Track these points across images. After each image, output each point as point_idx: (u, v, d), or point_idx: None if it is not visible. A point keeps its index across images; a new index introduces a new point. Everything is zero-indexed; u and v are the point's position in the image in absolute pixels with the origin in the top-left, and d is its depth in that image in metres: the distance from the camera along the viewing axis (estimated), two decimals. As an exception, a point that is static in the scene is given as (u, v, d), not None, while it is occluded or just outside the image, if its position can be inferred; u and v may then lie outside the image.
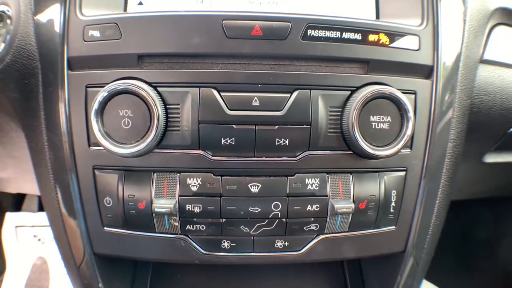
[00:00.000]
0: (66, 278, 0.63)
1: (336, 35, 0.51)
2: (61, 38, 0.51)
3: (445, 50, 0.56)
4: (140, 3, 0.57)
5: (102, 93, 0.47)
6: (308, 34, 0.50)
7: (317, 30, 0.50)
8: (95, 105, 0.47)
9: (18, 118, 0.60)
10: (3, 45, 0.58)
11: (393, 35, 0.53)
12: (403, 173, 0.55)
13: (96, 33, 0.51)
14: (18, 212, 1.16)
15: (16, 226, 1.16)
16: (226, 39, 0.49)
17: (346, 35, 0.51)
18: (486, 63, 0.68)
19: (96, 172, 0.52)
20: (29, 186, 0.93)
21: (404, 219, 0.56)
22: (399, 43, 0.53)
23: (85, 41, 0.51)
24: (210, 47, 0.49)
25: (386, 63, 0.52)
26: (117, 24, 0.50)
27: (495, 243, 1.17)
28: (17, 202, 1.17)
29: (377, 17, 0.58)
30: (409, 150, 0.54)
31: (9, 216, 1.15)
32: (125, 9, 0.56)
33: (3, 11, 0.60)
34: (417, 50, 0.54)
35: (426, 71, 0.54)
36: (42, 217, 1.15)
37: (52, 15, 0.53)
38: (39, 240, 1.16)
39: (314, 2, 0.57)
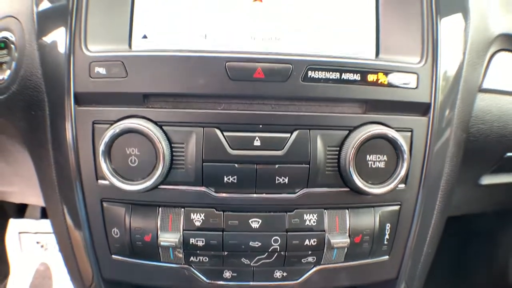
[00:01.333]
0: (69, 285, 0.68)
1: (335, 76, 0.54)
2: (67, 73, 0.54)
3: (443, 86, 0.59)
4: (145, 37, 0.60)
5: (109, 133, 0.51)
6: (309, 76, 0.53)
7: (317, 72, 0.53)
8: (102, 146, 0.51)
9: (26, 146, 0.63)
10: (8, 71, 0.61)
11: (392, 75, 0.56)
12: (397, 207, 0.59)
13: (102, 71, 0.54)
14: (21, 218, 1.21)
15: (20, 233, 1.21)
16: (229, 80, 0.52)
17: (345, 76, 0.54)
18: (485, 91, 0.71)
19: (104, 204, 0.56)
20: (33, 198, 0.97)
21: (397, 249, 0.60)
22: (398, 82, 0.56)
23: (91, 78, 0.54)
24: (214, 88, 0.52)
25: (384, 102, 0.55)
26: (122, 63, 0.53)
27: (492, 255, 1.22)
28: (20, 208, 1.22)
29: (377, 52, 0.61)
30: (404, 185, 0.58)
31: (13, 223, 1.20)
32: (129, 43, 0.59)
33: (5, 37, 0.63)
34: (415, 88, 0.57)
35: (423, 108, 0.58)
36: (44, 224, 1.20)
37: (58, 48, 0.56)
38: (42, 246, 1.21)
39: (315, 38, 0.60)
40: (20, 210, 1.22)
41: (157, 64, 0.53)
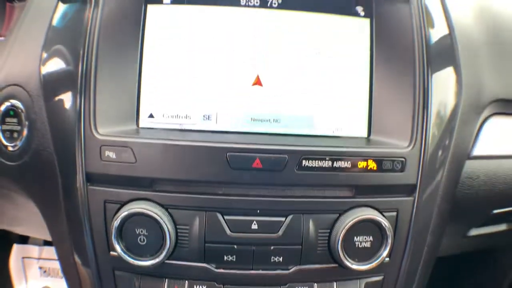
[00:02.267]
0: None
1: (327, 165, 0.61)
2: (78, 154, 0.61)
3: (430, 166, 0.65)
4: (151, 116, 0.67)
5: (119, 218, 0.59)
6: (303, 165, 0.61)
7: (310, 161, 0.61)
8: (114, 230, 0.59)
9: (40, 212, 0.71)
10: (21, 138, 0.68)
11: (381, 161, 0.63)
12: (381, 278, 0.67)
13: (112, 155, 0.61)
14: (25, 244, 1.30)
15: (23, 258, 1.30)
16: (230, 169, 0.60)
17: (337, 164, 0.61)
18: (473, 159, 0.77)
19: (116, 272, 0.65)
20: (39, 234, 1.06)
21: None
22: (386, 167, 0.63)
23: (102, 161, 0.61)
24: (216, 176, 0.60)
25: (372, 186, 0.63)
26: (131, 149, 0.61)
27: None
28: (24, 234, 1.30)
29: (369, 131, 0.68)
30: (388, 258, 0.66)
31: (16, 248, 1.29)
32: (137, 122, 0.66)
33: (14, 106, 0.68)
34: (402, 172, 0.64)
35: (409, 189, 0.65)
36: (47, 251, 1.29)
37: (68, 128, 0.62)
38: (44, 272, 1.31)
39: (312, 119, 0.67)
40: (24, 236, 1.31)
41: (164, 152, 0.60)
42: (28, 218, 0.86)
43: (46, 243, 1.29)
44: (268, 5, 0.67)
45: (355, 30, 0.69)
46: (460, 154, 0.72)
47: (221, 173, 0.60)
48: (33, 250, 1.29)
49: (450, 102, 0.69)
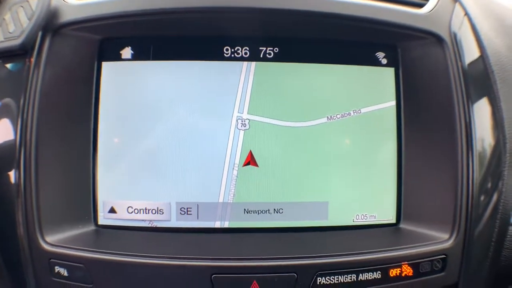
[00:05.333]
0: None
1: (351, 279, 0.44)
2: (26, 267, 0.44)
3: (475, 256, 0.48)
4: (112, 211, 0.49)
5: None
6: (318, 283, 0.43)
7: (328, 277, 0.43)
8: None
9: None
10: None
11: (417, 264, 0.45)
12: None
13: (64, 272, 0.43)
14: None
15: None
16: None
17: (363, 276, 0.44)
18: None
19: None
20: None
21: None
22: (424, 270, 0.46)
23: (53, 277, 0.44)
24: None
25: None
26: (86, 267, 0.42)
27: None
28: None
29: (398, 217, 0.51)
30: None
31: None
32: (95, 218, 0.48)
33: None
34: (443, 272, 0.47)
35: None
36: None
37: (11, 232, 0.45)
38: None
39: (325, 206, 0.49)
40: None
41: (129, 273, 0.42)
42: None
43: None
44: (261, 56, 0.49)
45: (375, 82, 0.50)
46: (503, 225, 0.55)
47: (204, 303, 0.42)
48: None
49: (498, 166, 0.51)
